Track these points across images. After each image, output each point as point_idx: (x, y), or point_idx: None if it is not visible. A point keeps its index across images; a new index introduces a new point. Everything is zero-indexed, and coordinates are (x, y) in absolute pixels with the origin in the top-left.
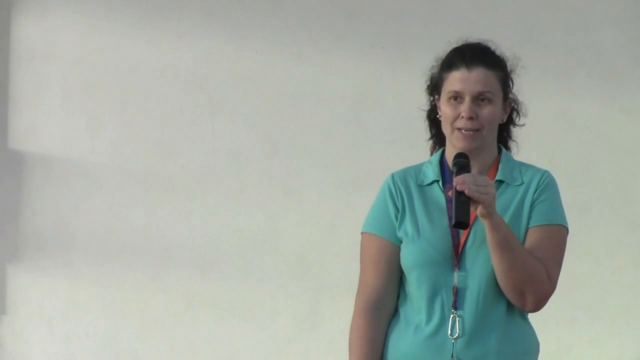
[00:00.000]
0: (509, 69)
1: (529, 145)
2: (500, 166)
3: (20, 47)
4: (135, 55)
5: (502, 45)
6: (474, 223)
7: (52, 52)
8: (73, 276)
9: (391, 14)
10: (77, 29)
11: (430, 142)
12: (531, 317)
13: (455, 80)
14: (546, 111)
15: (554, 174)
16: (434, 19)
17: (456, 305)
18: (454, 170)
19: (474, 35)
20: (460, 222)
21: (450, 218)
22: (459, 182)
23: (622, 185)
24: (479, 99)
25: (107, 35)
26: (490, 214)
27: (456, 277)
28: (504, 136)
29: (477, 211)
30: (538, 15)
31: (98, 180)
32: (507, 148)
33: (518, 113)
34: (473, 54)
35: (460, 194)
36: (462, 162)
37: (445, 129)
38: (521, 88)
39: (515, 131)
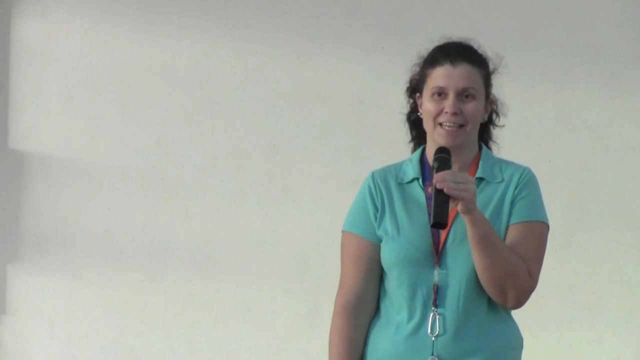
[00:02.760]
0: (491, 68)
1: (529, 145)
2: (480, 163)
3: (20, 47)
4: (135, 55)
5: (502, 45)
6: (454, 220)
7: (52, 52)
8: (73, 276)
9: (391, 14)
10: (77, 29)
11: (411, 145)
12: (531, 317)
13: (439, 76)
14: (546, 111)
15: (554, 174)
16: (434, 19)
17: (437, 303)
18: (435, 165)
19: (474, 35)
20: (438, 222)
21: (430, 215)
22: (439, 179)
23: (622, 185)
24: (462, 95)
25: (107, 35)
26: (470, 211)
27: (437, 274)
28: (484, 137)
29: (457, 207)
30: (538, 15)
31: (98, 180)
32: (488, 149)
33: (497, 114)
34: (457, 51)
35: (439, 191)
36: (443, 158)
37: (428, 125)
38: (521, 88)
39: (512, 132)
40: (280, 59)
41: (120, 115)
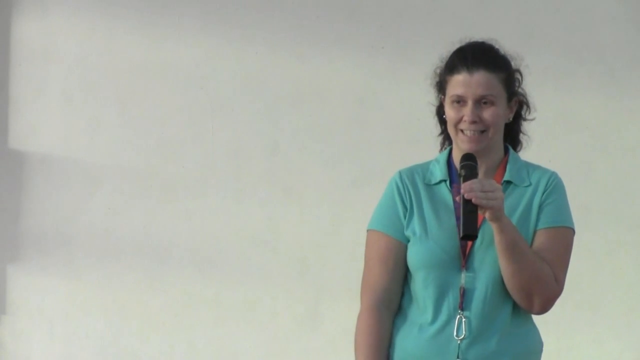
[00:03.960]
0: (513, 67)
1: (529, 145)
2: (508, 167)
3: (20, 47)
4: (135, 55)
5: (502, 46)
6: (482, 224)
7: (52, 52)
8: (73, 276)
9: (391, 14)
10: (77, 29)
11: (440, 137)
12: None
13: (458, 83)
14: (546, 111)
15: None
16: (434, 19)
17: (463, 306)
18: (462, 173)
19: (474, 35)
20: (468, 235)
21: (458, 219)
22: (467, 189)
23: (622, 185)
24: (481, 102)
25: (107, 35)
26: (498, 218)
27: (463, 277)
28: (514, 130)
29: (485, 215)
30: (538, 15)
31: (98, 180)
32: (518, 143)
33: (528, 107)
34: (474, 57)
35: (467, 202)
36: (469, 166)
37: (450, 131)
38: (522, 88)
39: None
40: (280, 59)
41: (120, 115)
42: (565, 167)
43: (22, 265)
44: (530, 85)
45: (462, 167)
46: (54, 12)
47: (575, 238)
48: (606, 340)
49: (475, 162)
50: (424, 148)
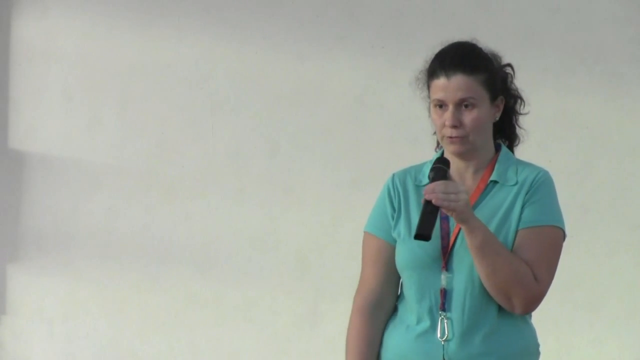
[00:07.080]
0: (497, 64)
1: (529, 145)
2: (496, 166)
3: (20, 47)
4: (135, 55)
5: (502, 45)
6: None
7: (52, 52)
8: (73, 276)
9: (391, 14)
10: (77, 29)
11: (436, 136)
12: (531, 317)
13: (438, 88)
14: (546, 111)
15: (554, 174)
16: (434, 19)
17: (444, 307)
18: (430, 176)
19: (475, 35)
20: (421, 234)
21: (442, 219)
22: (428, 191)
23: (622, 185)
24: (461, 105)
25: (107, 35)
26: (464, 220)
27: (444, 278)
28: (508, 126)
29: (452, 217)
30: (538, 15)
31: (98, 180)
32: (515, 138)
33: (522, 100)
34: (452, 62)
35: (428, 202)
36: (439, 169)
37: (437, 135)
38: (521, 88)
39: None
40: (280, 59)
41: (120, 115)
42: (565, 167)
43: (22, 265)
44: (531, 85)
45: (431, 169)
46: (54, 12)
47: (575, 238)
48: (606, 340)
49: (448, 166)
50: (424, 148)
